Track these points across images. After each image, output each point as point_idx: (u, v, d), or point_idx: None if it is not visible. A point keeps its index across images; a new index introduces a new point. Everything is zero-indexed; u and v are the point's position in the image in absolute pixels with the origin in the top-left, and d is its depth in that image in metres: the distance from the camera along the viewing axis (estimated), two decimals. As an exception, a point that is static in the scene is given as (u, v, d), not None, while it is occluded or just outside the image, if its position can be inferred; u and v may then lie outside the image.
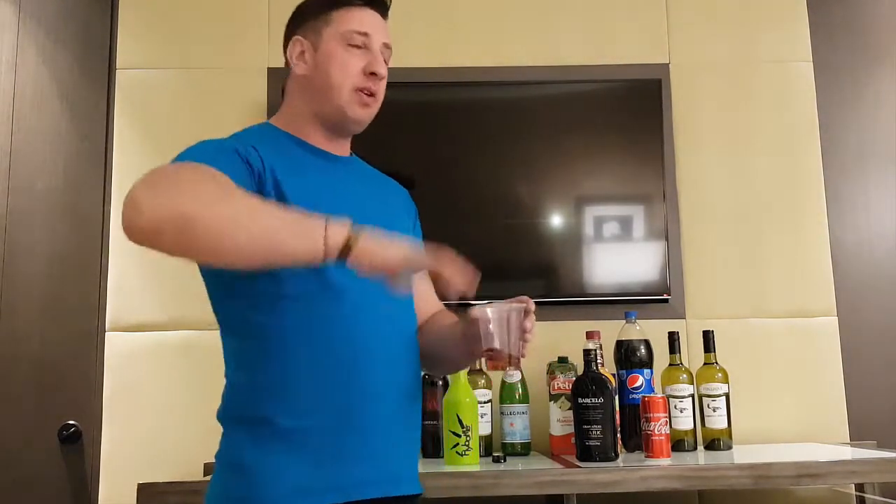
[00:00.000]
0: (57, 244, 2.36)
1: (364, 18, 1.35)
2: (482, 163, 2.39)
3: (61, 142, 2.41)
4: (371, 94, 1.34)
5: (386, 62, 1.39)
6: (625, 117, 2.43)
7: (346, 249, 1.07)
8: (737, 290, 2.40)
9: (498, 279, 2.33)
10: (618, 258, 2.38)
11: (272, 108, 2.40)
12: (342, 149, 1.41)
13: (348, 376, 1.23)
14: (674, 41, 2.54)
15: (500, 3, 2.53)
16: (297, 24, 1.38)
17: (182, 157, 1.19)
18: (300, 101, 1.37)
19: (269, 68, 2.45)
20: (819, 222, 2.45)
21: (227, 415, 1.26)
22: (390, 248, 1.11)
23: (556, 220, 2.38)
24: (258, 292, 1.22)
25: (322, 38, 1.34)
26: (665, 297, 2.35)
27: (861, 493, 2.03)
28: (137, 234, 1.03)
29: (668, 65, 2.52)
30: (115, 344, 2.30)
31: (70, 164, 2.40)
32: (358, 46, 1.33)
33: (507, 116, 2.41)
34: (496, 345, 1.23)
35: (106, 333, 2.30)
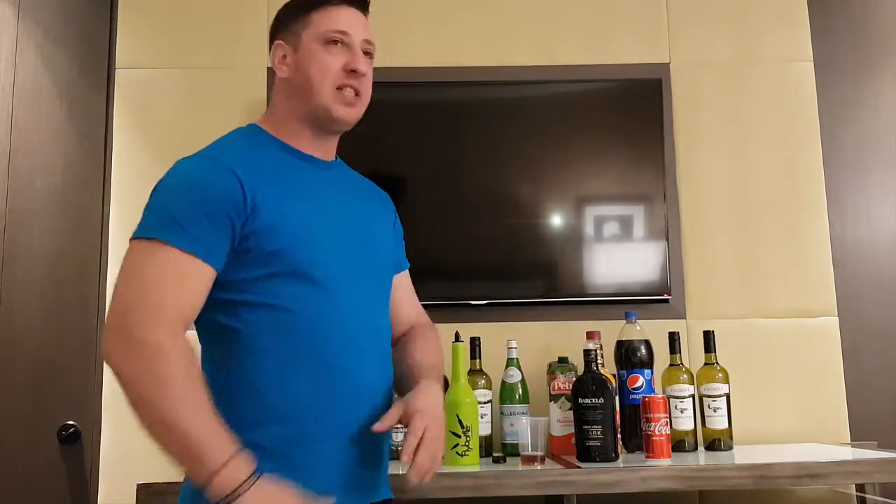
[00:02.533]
0: (56, 244, 2.36)
1: (342, 17, 1.36)
2: (482, 163, 2.39)
3: (61, 141, 2.41)
4: (356, 94, 1.35)
5: (371, 57, 1.40)
6: (625, 117, 2.43)
7: (231, 496, 1.09)
8: (737, 290, 2.40)
9: (498, 279, 2.34)
10: (618, 258, 2.38)
11: (272, 108, 2.41)
12: (329, 152, 1.42)
13: (319, 385, 1.24)
14: (674, 41, 2.53)
15: (500, 3, 2.53)
16: (278, 28, 1.39)
17: (154, 214, 1.21)
18: (285, 104, 1.37)
19: (268, 68, 2.45)
20: (820, 222, 2.45)
21: None
22: None
23: (557, 220, 2.38)
24: (225, 301, 1.24)
25: (301, 40, 1.35)
26: (665, 297, 2.35)
27: (862, 494, 2.03)
28: (106, 360, 1.15)
29: (668, 65, 2.52)
30: (115, 344, 2.29)
31: (69, 163, 2.40)
32: (337, 44, 1.34)
33: (507, 116, 2.41)
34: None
35: (105, 333, 2.30)
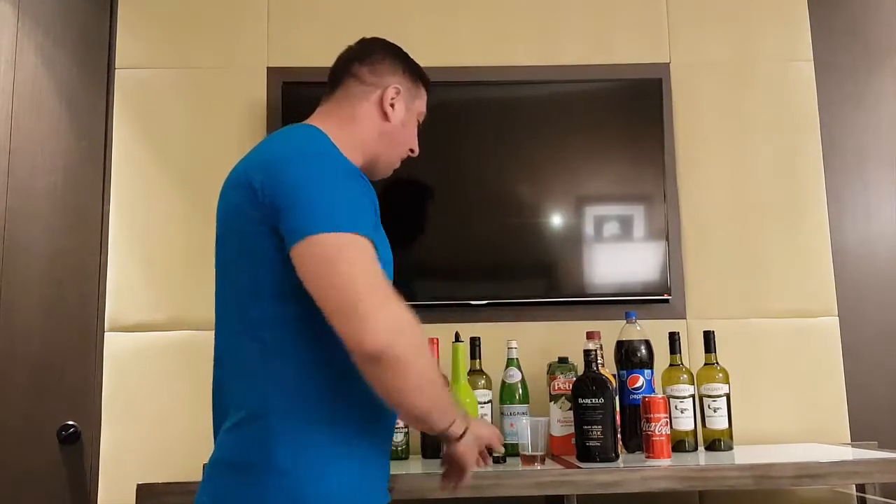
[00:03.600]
0: (56, 244, 2.36)
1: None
2: (482, 163, 2.39)
3: (60, 141, 2.41)
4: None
5: None
6: (625, 117, 2.43)
7: (461, 437, 1.32)
8: (737, 290, 2.40)
9: (498, 279, 2.33)
10: (618, 258, 2.38)
11: (271, 108, 2.41)
12: None
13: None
14: (674, 41, 2.53)
15: (500, 3, 2.53)
16: (398, 69, 1.50)
17: (348, 204, 1.23)
18: (372, 134, 1.46)
19: (268, 68, 2.45)
20: (820, 222, 2.45)
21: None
22: (484, 434, 1.39)
23: (557, 220, 2.38)
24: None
25: (413, 105, 1.52)
26: (665, 297, 2.35)
27: (862, 494, 2.03)
28: (378, 355, 1.15)
29: (668, 64, 2.52)
30: (115, 344, 2.30)
31: (69, 163, 2.40)
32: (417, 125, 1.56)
33: (507, 116, 2.41)
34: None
35: (105, 333, 2.30)
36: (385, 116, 1.45)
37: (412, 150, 1.54)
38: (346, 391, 1.25)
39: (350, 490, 1.24)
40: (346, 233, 1.19)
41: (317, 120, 1.43)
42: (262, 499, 1.20)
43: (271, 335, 1.25)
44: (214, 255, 1.37)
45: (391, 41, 1.56)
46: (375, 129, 1.45)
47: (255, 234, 1.25)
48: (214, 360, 1.35)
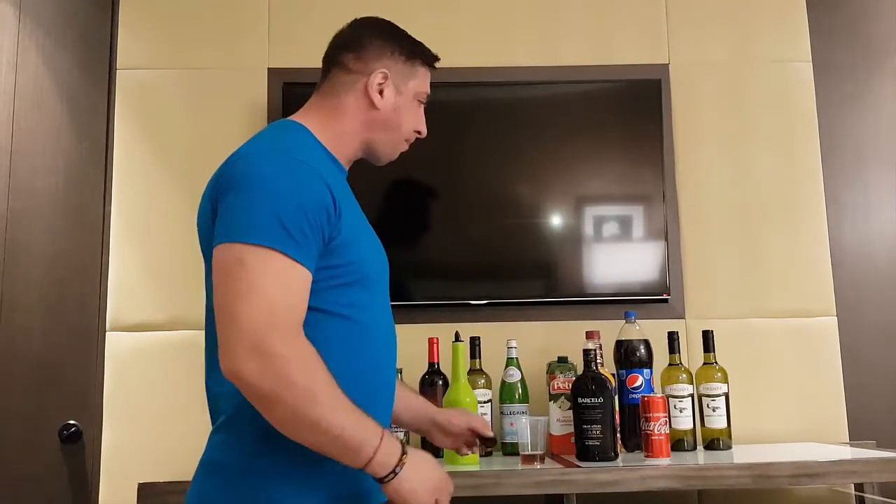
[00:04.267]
0: (57, 244, 2.36)
1: (430, 81, 1.46)
2: (482, 163, 2.40)
3: (61, 142, 2.41)
4: None
5: None
6: (625, 117, 2.44)
7: (384, 479, 1.16)
8: (736, 290, 2.40)
9: (498, 279, 2.34)
10: (617, 258, 2.38)
11: (272, 109, 2.41)
12: None
13: (370, 384, 1.27)
14: (674, 41, 2.54)
15: (500, 3, 2.53)
16: (386, 52, 1.39)
17: (262, 216, 1.15)
18: (358, 124, 1.37)
19: (269, 68, 2.45)
20: (819, 222, 2.45)
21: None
22: (426, 485, 1.19)
23: (556, 220, 2.39)
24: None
25: (407, 87, 1.40)
26: (665, 297, 2.36)
27: (860, 493, 2.03)
28: (238, 384, 1.13)
29: (668, 65, 2.52)
30: (116, 344, 2.30)
31: (70, 164, 2.41)
32: (420, 105, 1.45)
33: (507, 116, 2.41)
34: None
35: (106, 333, 2.31)
36: (372, 104, 1.36)
37: (419, 132, 1.45)
38: None
39: (323, 498, 1.21)
40: (254, 245, 1.14)
41: (301, 114, 1.38)
42: (238, 500, 1.20)
43: None
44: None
45: (386, 19, 1.47)
46: (363, 117, 1.37)
47: (210, 236, 1.24)
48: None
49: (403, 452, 1.17)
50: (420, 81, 1.42)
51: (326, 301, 1.22)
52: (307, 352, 1.13)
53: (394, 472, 1.15)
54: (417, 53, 1.42)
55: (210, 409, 1.37)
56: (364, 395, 1.20)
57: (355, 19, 1.47)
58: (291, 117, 1.39)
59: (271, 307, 1.12)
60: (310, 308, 1.19)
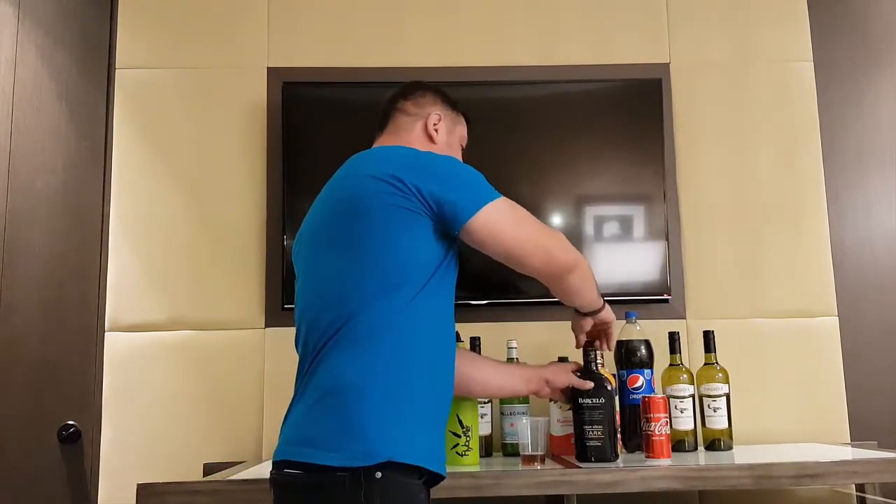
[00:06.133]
0: (56, 244, 2.36)
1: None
2: (482, 163, 2.36)
3: (61, 141, 2.41)
4: None
5: None
6: (625, 117, 2.43)
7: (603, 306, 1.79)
8: (737, 290, 2.40)
9: (498, 279, 2.33)
10: (618, 258, 2.38)
11: (271, 108, 2.41)
12: None
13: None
14: (674, 41, 2.53)
15: (500, 3, 2.53)
16: (440, 101, 1.72)
17: (486, 183, 1.54)
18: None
19: (268, 68, 2.45)
20: (819, 222, 2.45)
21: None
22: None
23: (557, 220, 2.38)
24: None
25: (455, 129, 1.75)
26: (665, 297, 2.35)
27: (862, 494, 2.03)
28: (571, 265, 1.63)
29: (668, 65, 2.52)
30: (115, 344, 2.30)
31: (69, 163, 2.40)
32: (461, 148, 1.77)
33: (507, 116, 2.41)
34: None
35: (105, 333, 2.30)
36: (431, 139, 1.67)
37: None
38: None
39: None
40: (498, 200, 1.56)
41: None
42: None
43: None
44: None
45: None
46: (423, 143, 1.65)
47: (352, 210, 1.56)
48: None
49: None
50: (463, 128, 1.77)
51: (444, 280, 1.51)
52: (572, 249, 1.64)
53: (603, 305, 1.80)
54: (459, 106, 1.77)
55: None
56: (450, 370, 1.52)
57: (405, 83, 1.77)
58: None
59: (542, 225, 1.62)
60: (434, 287, 1.46)
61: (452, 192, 1.45)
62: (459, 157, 1.73)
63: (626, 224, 2.39)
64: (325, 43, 2.48)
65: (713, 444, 2.06)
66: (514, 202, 1.54)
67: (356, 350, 1.37)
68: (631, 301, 2.33)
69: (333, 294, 1.42)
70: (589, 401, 1.87)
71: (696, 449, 2.06)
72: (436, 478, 1.42)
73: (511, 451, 2.07)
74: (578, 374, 1.88)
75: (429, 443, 1.40)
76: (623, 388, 2.06)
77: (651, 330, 2.12)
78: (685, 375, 2.08)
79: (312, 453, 1.33)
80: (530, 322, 2.34)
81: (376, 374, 1.36)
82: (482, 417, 2.06)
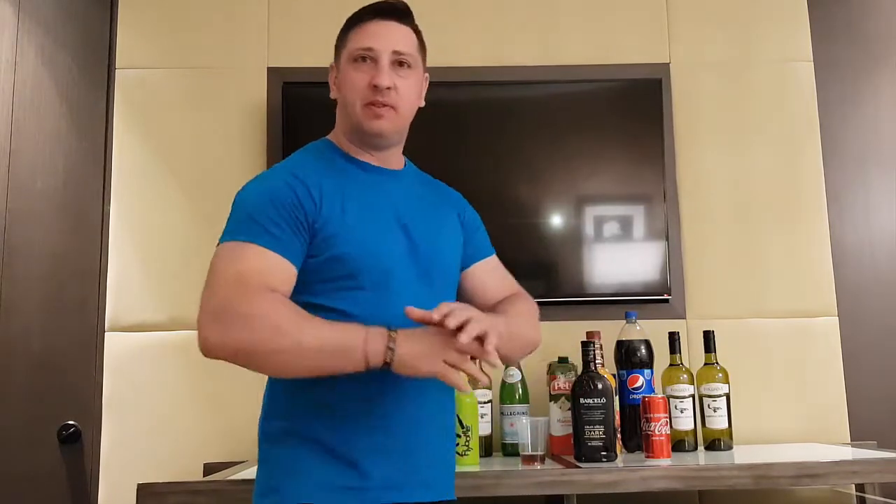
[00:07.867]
0: (56, 244, 2.36)
1: (370, 32, 1.42)
2: (482, 163, 2.39)
3: (61, 142, 2.41)
4: (385, 105, 1.39)
5: (407, 65, 1.44)
6: (625, 117, 2.43)
7: (386, 361, 1.21)
8: (737, 290, 2.40)
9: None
10: (618, 258, 2.38)
11: (271, 108, 2.41)
12: (391, 161, 1.48)
13: (362, 384, 1.28)
14: (674, 41, 2.53)
15: (501, 3, 2.53)
16: (336, 46, 1.49)
17: (237, 221, 1.31)
18: (339, 121, 1.47)
19: (269, 68, 2.45)
20: (820, 222, 2.45)
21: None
22: (427, 349, 1.23)
23: (557, 220, 2.38)
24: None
25: (341, 60, 1.45)
26: (665, 297, 2.35)
27: (861, 494, 2.03)
28: (211, 356, 1.26)
29: (668, 65, 2.52)
30: (115, 344, 2.30)
31: (69, 163, 2.40)
32: (365, 60, 1.40)
33: (507, 116, 2.41)
34: None
35: (105, 333, 2.30)
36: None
37: (375, 85, 1.38)
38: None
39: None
40: (229, 242, 1.29)
41: None
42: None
43: None
44: None
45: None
46: (337, 109, 1.48)
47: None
48: None
49: (391, 330, 1.21)
50: (348, 45, 1.44)
51: (319, 294, 1.30)
52: (272, 298, 1.22)
53: (390, 349, 1.20)
54: (344, 30, 1.47)
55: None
56: (355, 390, 1.28)
57: None
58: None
59: (238, 282, 1.24)
60: (303, 302, 1.27)
61: None
62: (356, 76, 1.40)
63: (625, 224, 2.39)
64: (325, 43, 2.46)
65: (713, 444, 2.06)
66: (241, 249, 1.28)
67: None
68: (631, 301, 2.33)
69: None
70: (589, 401, 1.87)
71: (695, 449, 2.06)
72: None
73: (511, 450, 2.07)
74: (574, 374, 1.87)
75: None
76: (623, 388, 2.06)
77: (651, 330, 2.13)
78: (685, 375, 2.08)
79: None
80: (530, 322, 2.33)
81: None
82: (482, 417, 2.06)
